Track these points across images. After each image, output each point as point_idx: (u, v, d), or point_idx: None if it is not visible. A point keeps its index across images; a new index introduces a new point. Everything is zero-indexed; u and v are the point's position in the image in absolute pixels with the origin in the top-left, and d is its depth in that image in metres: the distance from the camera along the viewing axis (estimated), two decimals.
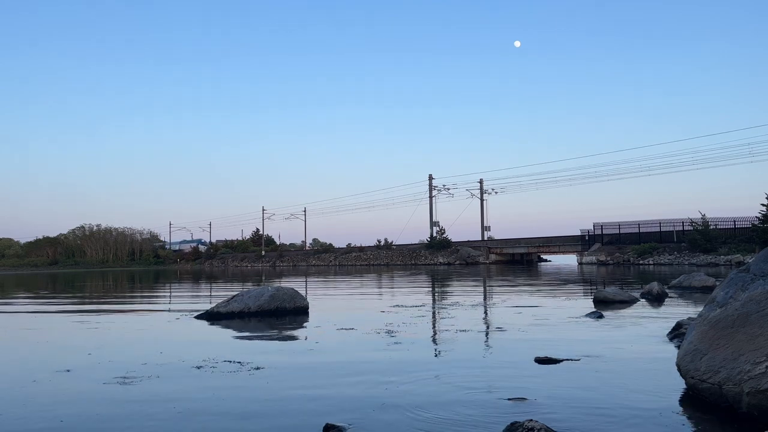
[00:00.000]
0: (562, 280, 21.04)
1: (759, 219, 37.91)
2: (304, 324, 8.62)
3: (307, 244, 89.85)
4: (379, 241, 69.20)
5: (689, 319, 6.77)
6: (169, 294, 18.68)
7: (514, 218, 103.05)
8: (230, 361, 5.45)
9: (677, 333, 6.28)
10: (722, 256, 36.77)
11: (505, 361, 5.33)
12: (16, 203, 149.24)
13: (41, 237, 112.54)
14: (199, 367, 5.21)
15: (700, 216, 42.18)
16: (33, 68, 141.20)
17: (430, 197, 64.37)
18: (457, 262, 54.32)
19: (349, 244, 75.46)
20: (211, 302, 12.79)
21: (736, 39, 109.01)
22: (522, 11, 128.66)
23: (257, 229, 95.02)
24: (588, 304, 10.59)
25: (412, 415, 3.59)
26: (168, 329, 8.61)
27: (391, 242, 68.33)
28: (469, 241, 60.68)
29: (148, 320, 10.00)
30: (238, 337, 7.47)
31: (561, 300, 12.12)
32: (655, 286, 11.96)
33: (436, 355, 5.77)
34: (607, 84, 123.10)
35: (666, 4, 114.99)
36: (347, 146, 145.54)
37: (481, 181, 65.18)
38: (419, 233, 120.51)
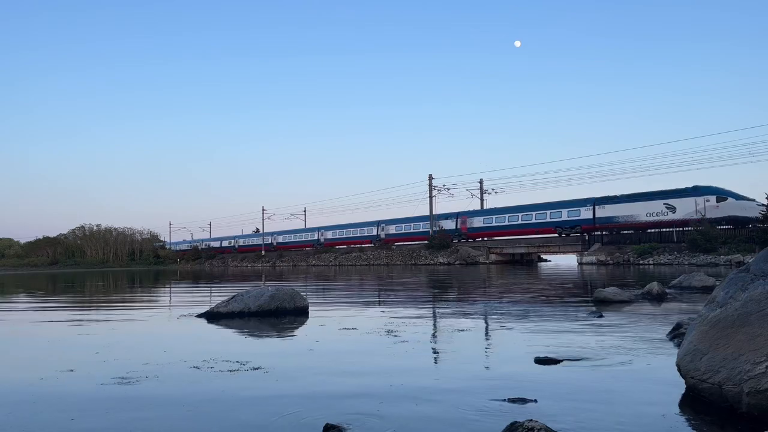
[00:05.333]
0: (561, 280, 21.04)
1: (759, 219, 37.89)
2: (304, 324, 8.62)
3: None
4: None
5: (689, 319, 6.77)
6: (169, 294, 18.68)
7: None
8: (230, 361, 5.46)
9: (677, 333, 6.28)
10: (722, 256, 36.74)
11: (505, 361, 5.34)
12: (16, 203, 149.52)
13: (41, 237, 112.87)
14: (198, 367, 5.21)
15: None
16: (32, 69, 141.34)
17: (430, 197, 64.33)
18: (457, 262, 54.28)
19: (350, 243, 75.49)
20: (211, 302, 12.78)
21: (737, 39, 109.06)
22: (522, 11, 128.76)
23: (257, 229, 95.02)
24: (588, 304, 10.59)
25: (411, 415, 3.59)
26: (168, 329, 8.61)
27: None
28: (469, 241, 60.66)
29: (149, 320, 10.00)
30: (238, 337, 7.47)
31: (560, 300, 12.12)
32: (655, 286, 11.95)
33: (435, 355, 5.77)
34: (607, 84, 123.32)
35: (666, 4, 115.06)
36: (347, 146, 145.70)
37: (481, 181, 65.21)
38: None
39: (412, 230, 67.38)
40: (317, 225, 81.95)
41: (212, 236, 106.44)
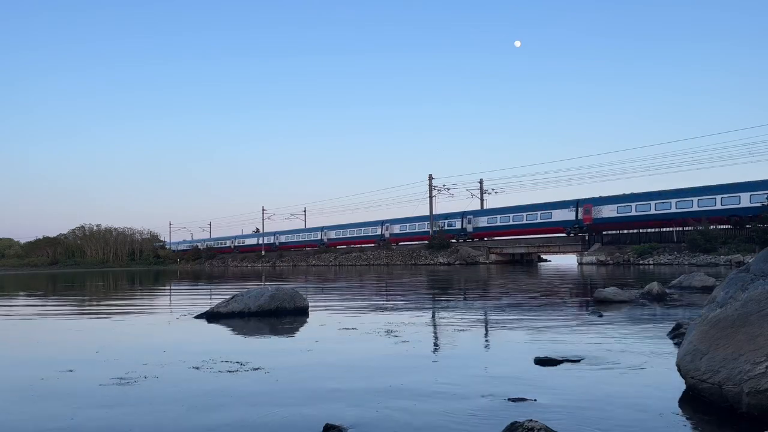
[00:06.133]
0: (561, 280, 21.03)
1: (759, 219, 37.83)
2: (304, 324, 8.62)
3: None
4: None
5: (689, 319, 6.77)
6: (169, 294, 18.68)
7: None
8: (229, 362, 5.45)
9: (677, 333, 6.28)
10: (722, 256, 36.71)
11: (505, 362, 5.33)
12: (16, 203, 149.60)
13: (41, 237, 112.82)
14: (198, 368, 5.20)
15: None
16: (32, 69, 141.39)
17: (430, 197, 64.31)
18: (457, 262, 54.27)
19: (350, 243, 74.31)
20: (211, 302, 12.78)
21: (737, 39, 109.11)
22: (522, 11, 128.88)
23: (257, 229, 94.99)
24: (588, 304, 10.59)
25: (411, 415, 3.59)
26: (168, 329, 8.61)
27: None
28: (397, 245, 60.36)
29: (149, 320, 9.99)
30: (237, 337, 7.47)
31: (560, 300, 12.11)
32: (655, 286, 11.94)
33: (435, 355, 5.77)
34: (607, 84, 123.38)
35: (666, 4, 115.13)
36: (347, 146, 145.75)
37: (481, 181, 65.23)
38: None
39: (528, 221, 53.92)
40: (381, 218, 70.02)
41: (212, 236, 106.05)
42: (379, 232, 68.73)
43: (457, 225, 59.53)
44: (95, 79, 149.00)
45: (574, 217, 49.03)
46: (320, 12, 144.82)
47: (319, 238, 77.45)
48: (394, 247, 65.35)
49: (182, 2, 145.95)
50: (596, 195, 48.36)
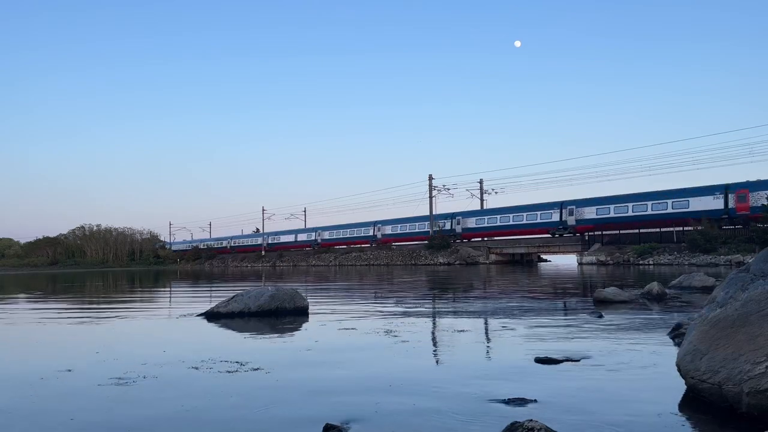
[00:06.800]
0: (561, 281, 21.02)
1: (759, 219, 37.78)
2: (304, 324, 8.61)
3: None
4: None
5: (689, 319, 6.76)
6: (169, 294, 18.67)
7: None
8: (229, 362, 5.45)
9: (677, 333, 6.27)
10: (722, 256, 36.68)
11: (505, 361, 5.33)
12: (16, 203, 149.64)
13: (41, 237, 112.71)
14: (197, 368, 5.20)
15: None
16: (32, 69, 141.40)
17: (430, 197, 64.30)
18: (457, 262, 54.26)
19: (350, 244, 73.53)
20: (211, 302, 12.77)
21: (737, 39, 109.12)
22: (522, 11, 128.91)
23: (257, 229, 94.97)
24: (588, 305, 10.58)
25: (411, 415, 3.59)
26: (168, 329, 8.60)
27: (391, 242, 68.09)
28: (469, 241, 60.58)
29: (149, 320, 9.99)
30: (237, 337, 7.47)
31: (561, 300, 12.11)
32: (654, 286, 11.93)
33: (435, 355, 5.76)
34: (607, 84, 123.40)
35: (666, 4, 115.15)
36: (347, 146, 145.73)
37: (481, 181, 65.25)
38: None
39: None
40: (451, 211, 61.66)
41: (212, 236, 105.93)
42: (439, 227, 60.83)
43: (555, 217, 50.70)
44: (95, 79, 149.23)
45: (722, 206, 39.87)
46: (320, 12, 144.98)
47: (371, 234, 68.71)
48: (394, 247, 65.26)
49: (182, 2, 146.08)
50: (751, 179, 39.47)
